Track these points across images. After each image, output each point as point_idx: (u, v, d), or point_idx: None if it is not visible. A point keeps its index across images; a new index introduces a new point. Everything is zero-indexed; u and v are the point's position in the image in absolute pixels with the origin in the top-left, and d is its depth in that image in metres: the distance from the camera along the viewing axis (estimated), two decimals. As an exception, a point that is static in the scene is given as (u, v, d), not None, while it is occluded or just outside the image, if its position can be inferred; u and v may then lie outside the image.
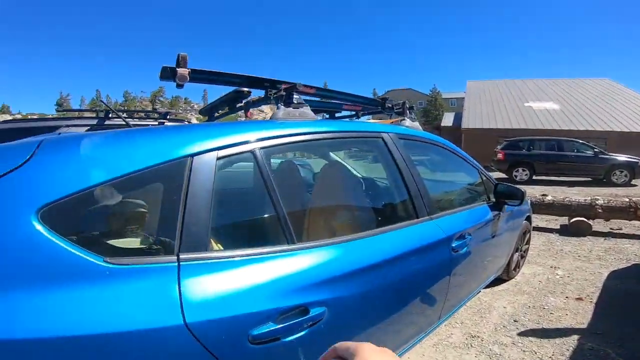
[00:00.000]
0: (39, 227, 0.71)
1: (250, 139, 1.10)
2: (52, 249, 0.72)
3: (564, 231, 4.90)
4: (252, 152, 1.09)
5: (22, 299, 0.67)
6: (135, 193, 0.93)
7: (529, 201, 3.49)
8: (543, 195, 5.31)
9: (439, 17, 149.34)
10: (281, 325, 0.90)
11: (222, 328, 0.82)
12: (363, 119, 2.44)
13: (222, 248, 1.00)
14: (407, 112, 2.05)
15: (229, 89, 1.61)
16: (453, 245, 1.63)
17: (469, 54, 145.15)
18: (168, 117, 3.80)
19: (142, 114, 3.96)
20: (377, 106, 2.10)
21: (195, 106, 60.26)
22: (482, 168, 2.44)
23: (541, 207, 5.16)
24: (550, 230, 4.98)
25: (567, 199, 5.09)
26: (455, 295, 1.78)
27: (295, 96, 1.38)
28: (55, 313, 0.68)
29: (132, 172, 0.84)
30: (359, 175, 2.61)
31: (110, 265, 0.75)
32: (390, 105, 2.07)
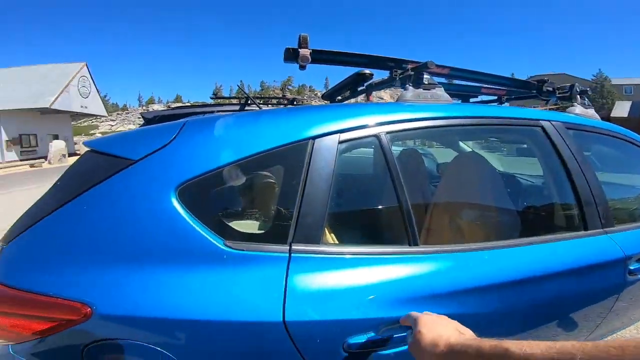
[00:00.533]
0: (175, 203, 0.75)
1: (375, 122, 0.97)
2: (183, 226, 0.74)
3: None
4: (376, 136, 0.96)
5: (148, 273, 0.71)
6: (256, 175, 0.93)
7: None
8: None
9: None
10: (382, 337, 0.78)
11: (319, 331, 0.74)
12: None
13: (336, 241, 0.92)
14: (578, 97, 1.57)
15: (350, 73, 1.53)
16: (631, 267, 1.21)
17: None
18: (295, 102, 4.14)
19: (274, 101, 4.46)
20: (530, 90, 1.68)
21: (319, 93, 64.09)
22: None
23: None
24: None
25: None
26: (609, 324, 1.33)
27: (425, 76, 1.19)
28: (171, 291, 0.71)
29: (255, 153, 0.82)
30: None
31: (228, 249, 0.75)
32: (550, 89, 1.62)
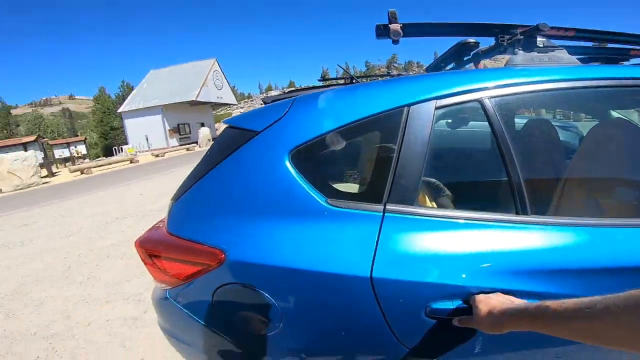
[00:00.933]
0: (289, 165, 0.88)
1: (475, 87, 0.92)
2: (294, 185, 0.87)
3: None
4: (479, 101, 0.91)
5: (271, 227, 0.85)
6: (356, 141, 1.00)
7: None
8: None
9: None
10: (467, 307, 0.76)
11: (403, 291, 0.77)
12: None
13: (431, 205, 0.94)
14: None
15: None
16: None
17: None
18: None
19: (378, 78, 4.42)
20: None
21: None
22: None
23: None
24: None
25: None
26: None
27: (539, 38, 1.04)
28: (283, 242, 0.83)
29: (353, 121, 0.90)
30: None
31: (330, 207, 0.84)
32: None
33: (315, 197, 0.85)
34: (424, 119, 0.88)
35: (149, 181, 10.60)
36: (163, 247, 0.97)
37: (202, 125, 31.31)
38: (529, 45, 1.07)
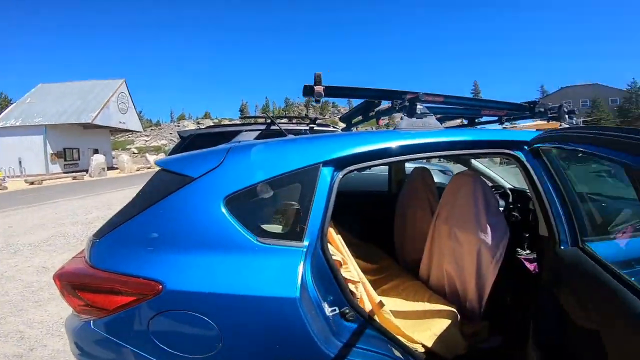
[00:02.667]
0: (223, 209, 1.03)
1: (377, 147, 1.21)
2: (229, 227, 1.02)
3: None
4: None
5: (207, 260, 0.99)
6: (282, 190, 1.18)
7: None
8: None
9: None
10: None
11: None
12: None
13: (340, 239, 1.15)
14: (566, 116, 1.73)
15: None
16: None
17: None
18: (317, 122, 4.41)
19: (297, 119, 4.82)
20: (523, 111, 1.85)
21: (342, 110, 64.85)
22: None
23: None
24: None
25: None
26: None
27: (419, 106, 1.41)
28: (219, 273, 0.98)
29: (280, 174, 1.11)
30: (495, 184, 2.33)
31: (260, 244, 1.01)
32: (542, 110, 1.79)
33: (247, 236, 1.02)
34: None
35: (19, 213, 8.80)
36: (91, 280, 1.02)
37: (96, 151, 27.53)
38: (411, 111, 1.42)
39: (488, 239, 1.55)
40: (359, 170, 1.24)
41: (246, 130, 4.30)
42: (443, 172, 5.47)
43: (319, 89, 1.44)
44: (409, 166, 3.23)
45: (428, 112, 1.41)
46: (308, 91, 1.46)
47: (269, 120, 4.35)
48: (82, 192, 12.58)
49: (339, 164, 1.17)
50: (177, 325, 0.98)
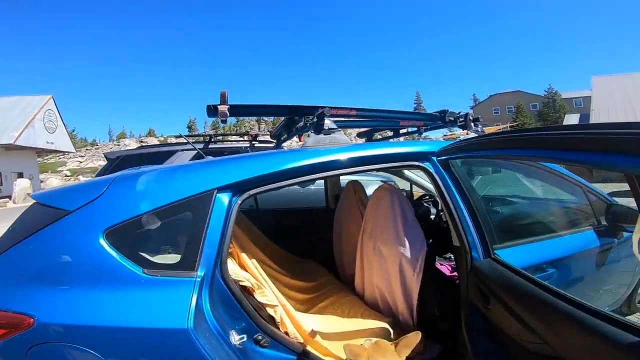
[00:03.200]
0: (103, 242, 0.99)
1: (274, 172, 1.19)
2: (110, 260, 0.98)
3: None
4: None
5: (87, 294, 0.96)
6: (171, 219, 1.12)
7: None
8: None
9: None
10: None
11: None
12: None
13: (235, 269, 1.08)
14: (472, 124, 1.82)
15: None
16: None
17: (589, 47, 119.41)
18: (258, 138, 4.29)
19: (237, 136, 4.67)
20: (436, 120, 1.92)
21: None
22: (590, 185, 2.00)
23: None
24: None
25: None
26: None
27: (327, 121, 1.38)
28: (104, 307, 0.95)
29: (168, 203, 1.06)
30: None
31: (146, 276, 0.98)
32: (451, 119, 1.87)
33: (132, 268, 0.98)
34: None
35: None
36: None
37: (21, 175, 24.59)
38: (318, 127, 1.39)
39: (407, 252, 1.56)
40: (263, 193, 1.20)
41: (182, 150, 4.05)
42: (384, 182, 5.61)
43: (222, 108, 1.37)
44: (345, 179, 3.25)
45: (336, 127, 1.39)
46: (212, 111, 1.38)
47: (209, 138, 4.21)
48: (3, 220, 11.04)
49: (237, 188, 1.14)
50: (60, 357, 0.96)
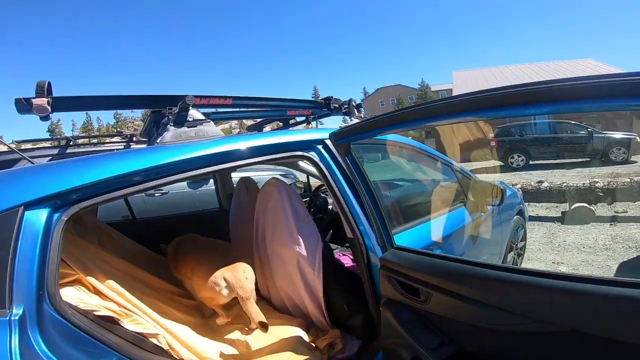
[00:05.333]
0: None
1: (98, 179, 0.93)
2: None
3: (565, 219, 4.60)
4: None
5: None
6: None
7: (519, 193, 3.21)
8: (539, 182, 5.03)
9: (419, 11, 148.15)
10: None
11: None
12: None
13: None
14: (355, 110, 1.78)
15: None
16: None
17: (453, 44, 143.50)
18: (134, 139, 3.60)
19: (107, 138, 3.85)
20: (321, 107, 1.83)
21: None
22: (457, 165, 2.19)
23: (538, 194, 4.91)
24: (551, 220, 4.67)
25: (564, 184, 4.82)
26: None
27: (191, 112, 1.11)
28: None
29: None
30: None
31: None
32: (336, 106, 1.80)
33: None
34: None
35: None
36: None
37: None
38: (179, 119, 1.11)
39: (303, 250, 1.43)
40: (102, 204, 0.95)
41: (31, 157, 3.12)
42: (284, 176, 5.44)
43: (40, 101, 0.99)
44: (236, 176, 2.98)
45: (203, 118, 1.13)
46: (24, 107, 1.00)
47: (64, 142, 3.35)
48: None
49: (60, 202, 0.89)
50: None
